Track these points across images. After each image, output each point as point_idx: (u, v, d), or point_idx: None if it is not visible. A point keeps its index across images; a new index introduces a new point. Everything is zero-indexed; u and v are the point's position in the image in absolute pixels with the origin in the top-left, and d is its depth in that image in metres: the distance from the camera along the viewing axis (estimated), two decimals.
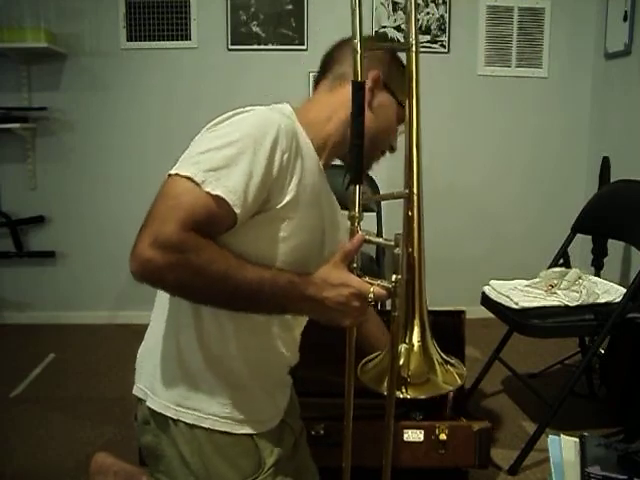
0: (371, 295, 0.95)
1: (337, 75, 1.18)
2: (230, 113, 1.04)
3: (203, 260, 0.93)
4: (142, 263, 0.94)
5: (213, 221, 0.96)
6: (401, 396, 0.95)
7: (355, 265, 0.99)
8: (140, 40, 3.81)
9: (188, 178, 0.95)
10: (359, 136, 0.97)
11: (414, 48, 0.98)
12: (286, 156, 1.01)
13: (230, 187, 0.95)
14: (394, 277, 0.94)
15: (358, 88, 0.97)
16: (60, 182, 3.89)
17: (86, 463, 1.72)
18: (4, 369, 3.16)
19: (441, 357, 0.99)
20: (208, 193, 0.94)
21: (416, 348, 0.97)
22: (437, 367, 0.98)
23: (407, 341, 0.97)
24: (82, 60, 3.81)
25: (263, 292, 0.96)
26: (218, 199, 0.95)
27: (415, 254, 0.98)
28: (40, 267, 3.96)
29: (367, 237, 0.98)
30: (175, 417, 1.10)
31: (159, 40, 3.82)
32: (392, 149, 1.22)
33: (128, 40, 3.82)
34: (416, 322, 0.97)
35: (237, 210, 0.97)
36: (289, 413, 1.26)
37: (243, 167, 0.96)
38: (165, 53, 3.82)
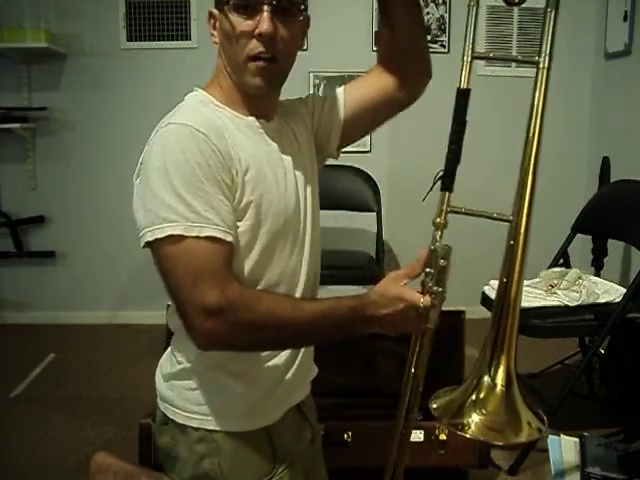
0: (421, 305, 0.93)
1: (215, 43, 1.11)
2: (157, 135, 1.01)
3: (261, 312, 0.95)
4: (208, 336, 0.94)
5: (227, 259, 0.96)
6: (467, 435, 0.88)
7: (428, 271, 0.94)
8: (140, 40, 3.82)
9: (173, 236, 0.92)
10: (456, 142, 0.93)
11: (545, 65, 0.91)
12: (219, 153, 0.98)
13: (210, 220, 0.94)
14: (435, 289, 0.92)
15: (462, 95, 0.94)
16: (60, 182, 3.89)
17: (86, 463, 1.72)
18: (4, 369, 3.16)
19: (527, 407, 0.90)
20: (197, 238, 0.92)
21: (498, 391, 0.89)
22: (522, 421, 0.89)
23: (491, 375, 0.89)
24: (82, 60, 3.81)
25: (325, 326, 0.98)
26: (210, 240, 0.93)
27: (513, 289, 0.90)
28: (40, 267, 3.96)
29: (434, 247, 0.95)
30: (195, 425, 1.10)
31: (159, 40, 3.82)
32: (259, 36, 1.00)
33: (128, 40, 3.82)
34: (503, 360, 0.90)
35: (229, 238, 0.96)
36: (310, 410, 1.25)
37: (207, 192, 0.95)
38: (165, 53, 3.82)
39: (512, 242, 0.91)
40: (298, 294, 1.12)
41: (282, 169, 1.10)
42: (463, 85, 0.94)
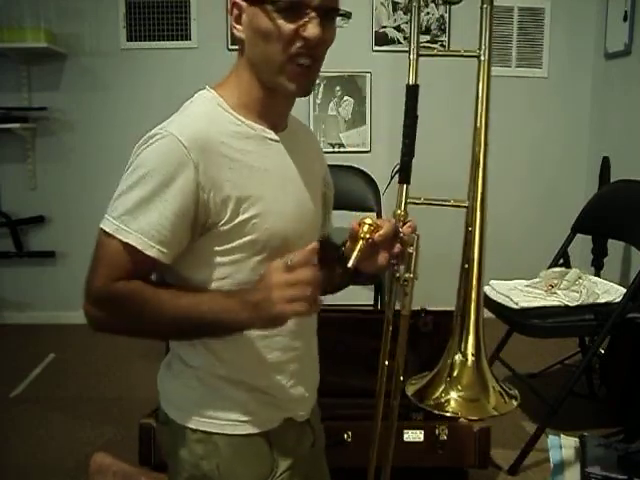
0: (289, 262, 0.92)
1: (237, 37, 1.07)
2: (143, 139, 1.00)
3: (137, 305, 0.99)
4: (87, 319, 1.02)
5: (136, 266, 0.99)
6: (448, 414, 0.92)
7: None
8: (140, 40, 3.82)
9: (104, 231, 1.01)
10: (409, 137, 0.97)
11: (485, 57, 0.96)
12: (196, 172, 0.96)
13: (142, 230, 0.96)
14: (406, 275, 0.97)
15: (411, 91, 0.98)
16: (60, 182, 3.89)
17: (86, 463, 1.73)
18: (4, 369, 3.16)
19: (493, 377, 0.95)
20: (120, 241, 0.98)
21: (469, 362, 0.93)
22: (490, 388, 0.93)
23: (462, 350, 0.93)
24: (82, 60, 3.82)
25: (202, 312, 0.98)
26: (129, 246, 0.98)
27: (474, 270, 0.95)
28: (40, 267, 3.96)
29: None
30: (193, 427, 1.09)
31: (159, 40, 3.82)
32: (305, 39, 0.99)
33: (128, 40, 3.82)
34: (471, 337, 0.93)
35: (149, 252, 0.97)
36: (313, 413, 1.24)
37: (156, 205, 0.96)
38: (165, 53, 3.82)
39: (470, 229, 0.95)
40: None
41: (289, 182, 1.09)
42: (411, 81, 0.99)
